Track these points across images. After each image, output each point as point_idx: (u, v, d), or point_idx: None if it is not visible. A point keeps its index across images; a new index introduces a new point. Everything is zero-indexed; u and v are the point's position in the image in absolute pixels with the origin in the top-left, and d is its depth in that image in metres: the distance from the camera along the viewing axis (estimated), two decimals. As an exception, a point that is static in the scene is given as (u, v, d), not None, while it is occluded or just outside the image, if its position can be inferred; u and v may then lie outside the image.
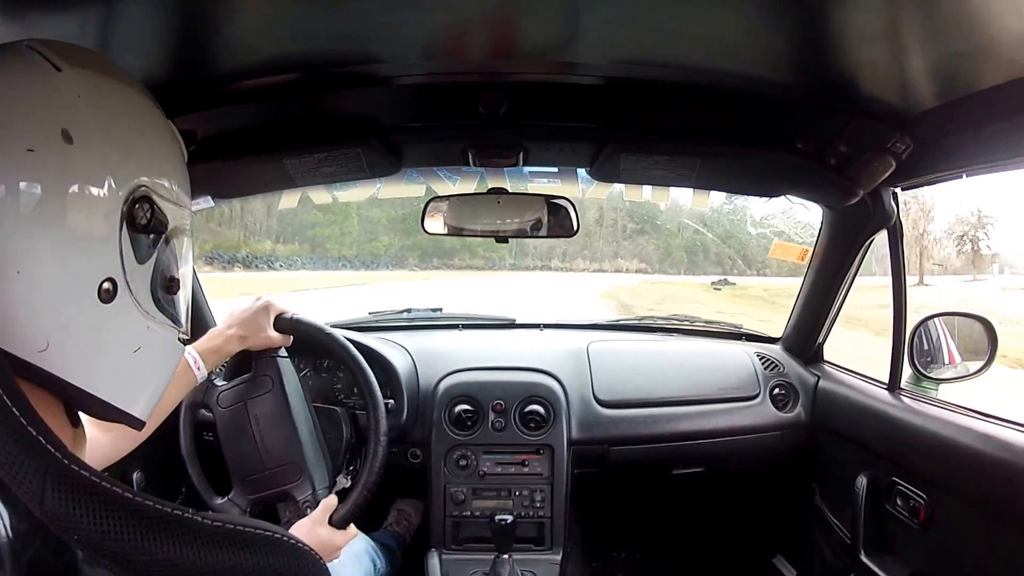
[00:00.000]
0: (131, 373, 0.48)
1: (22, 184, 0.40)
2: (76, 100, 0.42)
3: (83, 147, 0.42)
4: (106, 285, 0.43)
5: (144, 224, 0.46)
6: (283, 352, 1.11)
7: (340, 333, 1.14)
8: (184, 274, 0.52)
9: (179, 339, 0.53)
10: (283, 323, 1.09)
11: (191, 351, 0.97)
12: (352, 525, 1.02)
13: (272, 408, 1.09)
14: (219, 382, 1.12)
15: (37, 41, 0.43)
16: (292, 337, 1.11)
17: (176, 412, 1.10)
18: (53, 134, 0.40)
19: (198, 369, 0.96)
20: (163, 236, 0.48)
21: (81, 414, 0.50)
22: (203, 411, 1.14)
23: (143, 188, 0.45)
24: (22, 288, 0.40)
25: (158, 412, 0.90)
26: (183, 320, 0.53)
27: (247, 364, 1.12)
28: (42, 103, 0.41)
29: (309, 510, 1.02)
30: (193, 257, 0.55)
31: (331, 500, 1.00)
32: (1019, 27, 0.67)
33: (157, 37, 0.76)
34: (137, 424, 0.50)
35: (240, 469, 1.09)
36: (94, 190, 0.42)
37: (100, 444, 0.76)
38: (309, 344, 1.15)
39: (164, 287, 0.49)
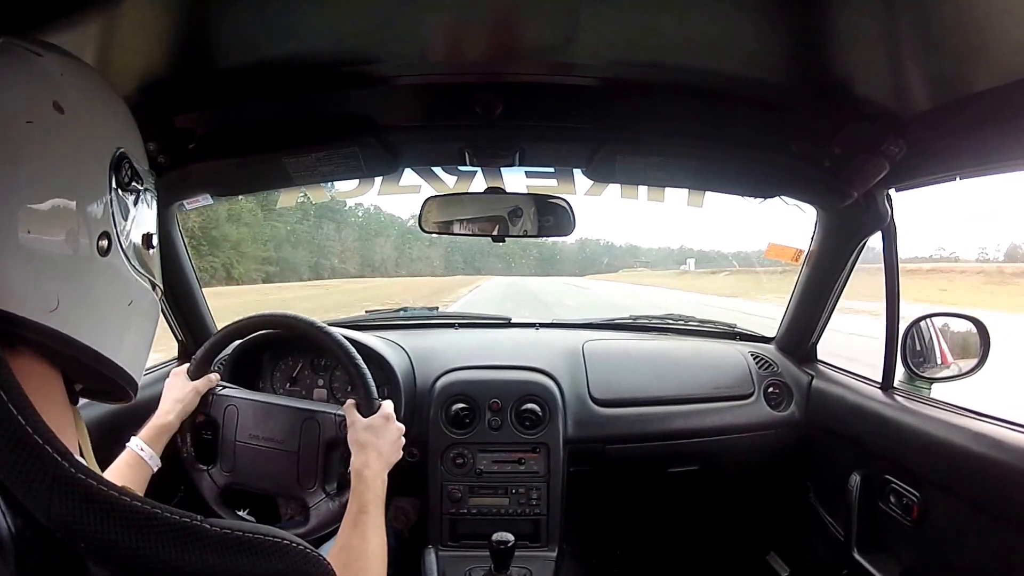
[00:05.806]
0: (126, 329, 0.50)
1: (25, 152, 0.42)
2: (60, 77, 0.46)
3: (73, 116, 0.45)
4: (103, 241, 0.46)
5: (127, 182, 0.49)
6: (217, 388, 1.16)
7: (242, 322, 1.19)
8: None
9: (157, 298, 0.56)
10: (193, 371, 1.14)
11: (135, 440, 0.99)
12: (383, 403, 1.02)
13: (253, 414, 1.13)
14: (213, 470, 1.13)
15: (10, 36, 0.46)
16: (214, 376, 1.16)
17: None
18: (46, 106, 0.44)
19: (142, 451, 0.98)
20: (139, 195, 0.52)
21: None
22: (233, 490, 1.13)
23: (122, 150, 0.49)
24: (32, 248, 0.42)
25: None
26: (159, 280, 0.56)
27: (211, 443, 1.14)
28: (32, 81, 0.44)
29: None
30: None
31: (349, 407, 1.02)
32: (1012, 32, 0.68)
33: (157, 37, 0.76)
34: (132, 386, 0.52)
35: (287, 482, 1.09)
36: (87, 152, 0.46)
37: None
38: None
39: (144, 243, 0.52)
